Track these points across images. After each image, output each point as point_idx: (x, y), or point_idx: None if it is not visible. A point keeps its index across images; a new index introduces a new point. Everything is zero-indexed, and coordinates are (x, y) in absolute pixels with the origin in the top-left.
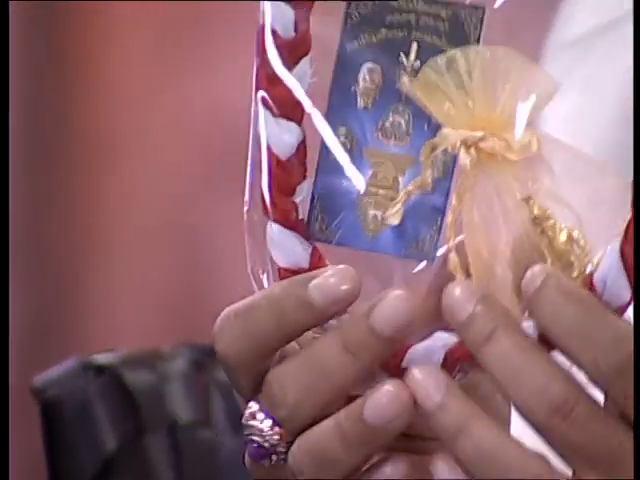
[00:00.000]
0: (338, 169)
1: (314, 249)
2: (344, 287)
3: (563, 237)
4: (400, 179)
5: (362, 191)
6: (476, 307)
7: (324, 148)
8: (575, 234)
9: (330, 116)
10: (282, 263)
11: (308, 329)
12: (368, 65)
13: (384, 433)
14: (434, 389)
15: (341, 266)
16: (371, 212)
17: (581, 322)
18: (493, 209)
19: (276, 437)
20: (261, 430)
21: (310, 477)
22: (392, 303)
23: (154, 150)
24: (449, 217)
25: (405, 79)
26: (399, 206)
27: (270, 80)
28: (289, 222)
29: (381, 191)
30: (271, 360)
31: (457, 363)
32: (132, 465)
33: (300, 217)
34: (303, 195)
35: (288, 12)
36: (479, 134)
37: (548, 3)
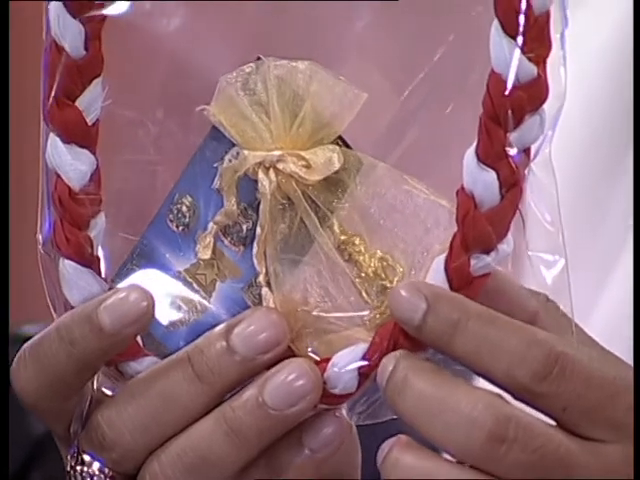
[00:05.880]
0: (168, 235)
1: (111, 289)
2: (136, 306)
3: (374, 264)
4: (218, 284)
5: (178, 275)
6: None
7: (163, 207)
8: (389, 259)
9: (183, 180)
10: (76, 303)
11: (103, 358)
12: (237, 149)
13: (289, 418)
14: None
15: (133, 283)
16: (177, 301)
17: (485, 336)
18: (297, 237)
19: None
20: (92, 475)
21: None
22: (254, 319)
23: None
24: (255, 249)
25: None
26: (209, 239)
27: (59, 103)
28: (84, 258)
29: (195, 285)
30: (82, 398)
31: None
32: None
33: (95, 253)
34: (98, 229)
35: (77, 28)
36: (276, 154)
37: None
